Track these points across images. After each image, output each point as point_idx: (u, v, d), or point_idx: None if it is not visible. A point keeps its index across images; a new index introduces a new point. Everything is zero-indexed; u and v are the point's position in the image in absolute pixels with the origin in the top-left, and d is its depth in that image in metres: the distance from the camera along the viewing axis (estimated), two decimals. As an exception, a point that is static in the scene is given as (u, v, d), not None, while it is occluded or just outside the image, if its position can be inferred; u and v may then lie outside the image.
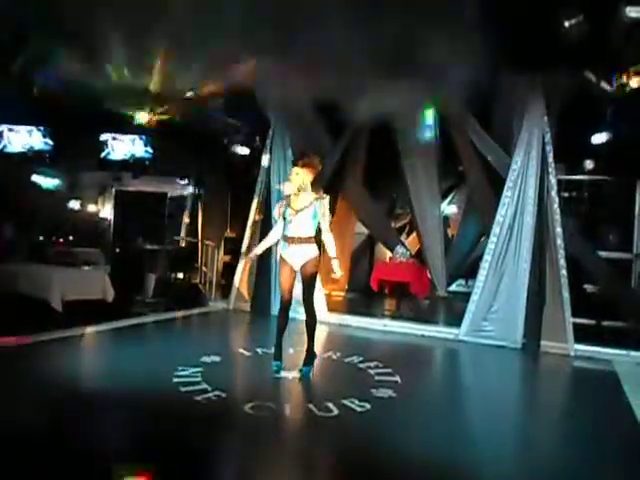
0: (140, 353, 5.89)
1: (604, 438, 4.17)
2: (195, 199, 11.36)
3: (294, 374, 5.13)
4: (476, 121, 7.89)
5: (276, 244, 5.39)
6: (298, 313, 7.93)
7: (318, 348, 6.25)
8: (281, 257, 5.11)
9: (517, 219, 7.00)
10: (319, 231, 5.05)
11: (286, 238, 5.03)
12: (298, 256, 5.00)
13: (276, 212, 5.21)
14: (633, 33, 5.44)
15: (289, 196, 5.08)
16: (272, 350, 5.32)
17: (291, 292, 5.15)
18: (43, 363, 5.21)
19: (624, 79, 5.99)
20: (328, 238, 5.01)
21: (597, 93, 6.83)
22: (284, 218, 5.05)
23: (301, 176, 4.97)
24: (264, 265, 8.39)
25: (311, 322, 5.17)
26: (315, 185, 5.10)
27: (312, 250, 5.01)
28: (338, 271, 5.06)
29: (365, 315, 8.32)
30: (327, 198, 5.01)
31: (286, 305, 5.17)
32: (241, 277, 8.62)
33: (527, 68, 6.45)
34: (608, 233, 9.04)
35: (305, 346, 5.22)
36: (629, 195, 8.71)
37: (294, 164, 5.10)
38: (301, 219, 4.95)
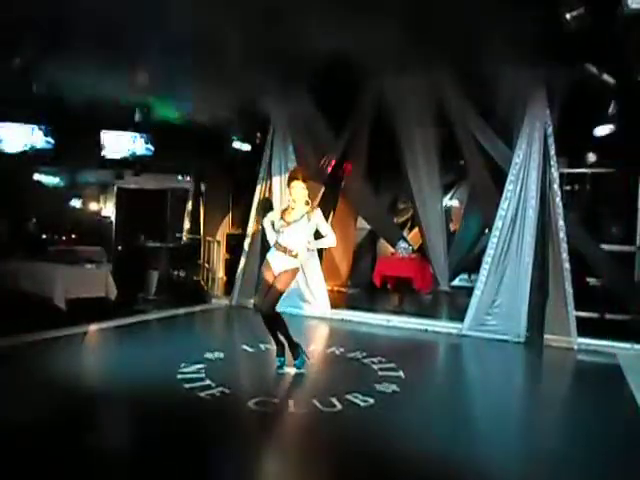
0: (143, 350, 5.91)
1: (608, 430, 4.16)
2: (197, 196, 11.35)
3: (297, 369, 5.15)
4: (478, 114, 7.87)
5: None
6: (298, 308, 8.03)
7: (321, 344, 6.29)
8: (266, 260, 5.19)
9: (519, 213, 6.97)
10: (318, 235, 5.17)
11: (275, 244, 5.13)
12: (280, 263, 5.05)
13: (266, 222, 5.37)
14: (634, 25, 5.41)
15: (285, 209, 5.18)
16: (275, 346, 5.33)
17: None
18: (46, 361, 5.22)
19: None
20: (330, 238, 5.13)
21: (599, 85, 6.80)
22: (275, 228, 5.19)
23: (303, 189, 5.05)
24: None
25: (276, 323, 5.14)
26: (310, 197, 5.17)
27: (293, 263, 5.06)
28: (307, 247, 5.16)
29: (368, 310, 8.32)
30: (318, 210, 5.13)
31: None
32: (243, 274, 8.61)
33: (529, 61, 6.42)
34: (611, 226, 9.02)
35: (287, 345, 5.21)
36: (632, 188, 8.67)
37: (294, 178, 5.10)
38: (292, 231, 5.03)
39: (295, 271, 5.13)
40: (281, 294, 5.09)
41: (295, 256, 5.04)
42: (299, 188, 5.04)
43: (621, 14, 5.10)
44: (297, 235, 5.03)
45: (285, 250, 5.03)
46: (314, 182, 8.93)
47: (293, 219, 5.05)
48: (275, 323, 5.14)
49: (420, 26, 5.74)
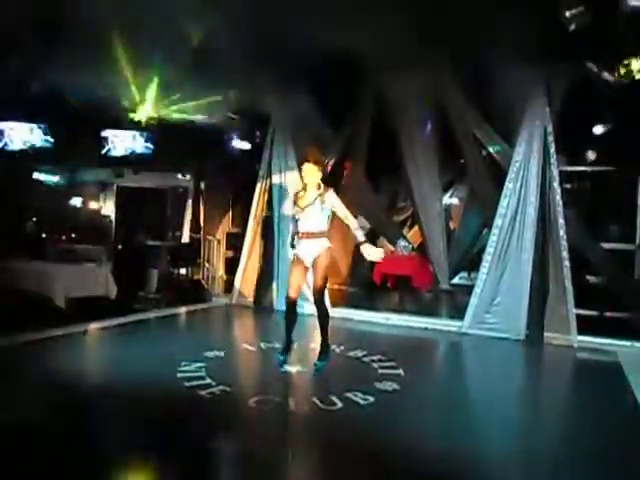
0: (143, 349, 5.90)
1: (608, 428, 4.16)
2: (197, 194, 11.35)
3: (298, 368, 5.15)
4: (478, 113, 7.88)
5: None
6: (301, 307, 8.03)
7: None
8: (295, 254, 5.13)
9: (519, 211, 6.98)
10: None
11: (298, 234, 5.06)
12: (310, 251, 4.99)
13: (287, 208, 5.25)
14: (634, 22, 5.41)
15: (297, 194, 5.12)
16: (276, 344, 5.36)
17: (300, 290, 5.16)
18: (46, 360, 5.22)
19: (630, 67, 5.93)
20: (352, 223, 4.95)
21: (599, 83, 6.80)
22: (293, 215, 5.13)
23: (315, 171, 4.97)
24: (267, 260, 8.41)
25: (323, 317, 5.13)
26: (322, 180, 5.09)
27: (322, 243, 4.98)
28: (372, 254, 4.93)
29: (368, 309, 8.32)
30: (331, 190, 4.99)
31: (294, 302, 5.13)
32: (243, 273, 8.61)
33: (529, 59, 6.43)
34: (611, 224, 9.01)
35: (320, 341, 5.20)
36: (632, 186, 8.67)
37: (305, 161, 5.02)
38: (309, 215, 4.96)
39: (328, 250, 5.01)
40: (325, 280, 5.05)
41: (321, 236, 4.96)
42: (310, 170, 4.96)
43: (621, 11, 5.10)
44: (313, 219, 4.96)
45: (308, 235, 4.97)
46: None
47: (306, 203, 4.97)
48: (325, 315, 5.12)
49: (420, 24, 5.75)
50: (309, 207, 4.94)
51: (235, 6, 5.54)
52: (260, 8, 5.55)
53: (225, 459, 3.53)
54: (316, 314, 5.13)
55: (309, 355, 5.57)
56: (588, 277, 8.34)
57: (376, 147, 9.62)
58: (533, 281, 6.84)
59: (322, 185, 4.98)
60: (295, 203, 5.05)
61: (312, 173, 4.95)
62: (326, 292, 8.11)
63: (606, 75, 6.18)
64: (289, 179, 8.29)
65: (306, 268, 5.06)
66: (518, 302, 6.89)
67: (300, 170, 5.07)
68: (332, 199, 4.94)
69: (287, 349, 5.20)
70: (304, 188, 5.02)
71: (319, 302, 5.06)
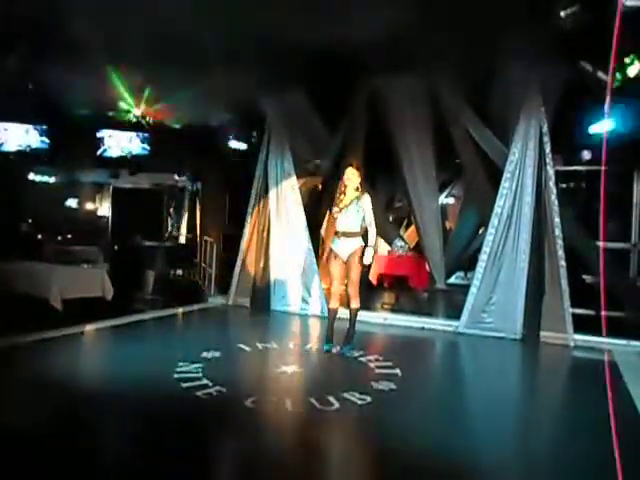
0: (140, 350, 5.90)
1: (604, 427, 4.17)
2: (193, 195, 11.36)
3: (294, 368, 5.16)
4: (473, 113, 7.88)
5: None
6: (295, 306, 8.05)
7: (318, 342, 6.30)
8: (331, 250, 5.77)
9: (515, 210, 7.00)
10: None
11: (335, 232, 5.71)
12: (345, 248, 5.62)
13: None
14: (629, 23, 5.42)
15: (338, 195, 5.68)
16: (273, 345, 5.61)
17: (343, 281, 5.77)
18: (43, 362, 5.21)
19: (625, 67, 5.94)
20: (371, 230, 5.64)
21: (594, 83, 6.81)
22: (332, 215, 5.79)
23: (356, 177, 5.60)
24: (264, 261, 8.41)
25: (354, 308, 5.78)
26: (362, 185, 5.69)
27: (357, 242, 5.62)
28: (369, 259, 5.65)
29: (365, 309, 8.28)
30: (367, 195, 5.61)
31: (337, 293, 5.78)
32: (240, 273, 8.60)
33: (525, 59, 6.44)
34: (606, 223, 9.02)
35: (348, 328, 5.84)
36: (627, 185, 8.69)
37: (349, 165, 5.71)
38: (346, 215, 5.59)
39: (362, 249, 5.61)
40: (359, 276, 5.66)
41: (356, 235, 5.57)
42: (351, 174, 5.60)
43: (616, 12, 5.11)
44: (350, 219, 5.59)
45: (345, 234, 5.60)
46: (311, 179, 8.99)
47: (345, 204, 5.60)
48: (355, 307, 5.77)
49: (417, 23, 5.76)
50: (346, 208, 5.57)
51: (232, 4, 5.55)
52: (257, 6, 5.54)
53: (222, 460, 3.52)
54: (349, 307, 5.79)
55: (308, 355, 5.59)
56: (584, 276, 8.35)
57: (372, 147, 9.61)
58: (529, 280, 6.86)
59: (360, 188, 5.60)
60: (335, 204, 5.65)
61: (353, 177, 5.59)
62: (323, 292, 8.21)
63: (601, 75, 6.19)
64: (285, 179, 8.29)
65: (343, 262, 5.62)
66: (514, 301, 6.91)
67: (343, 174, 5.66)
68: (367, 203, 5.58)
69: (331, 337, 5.79)
70: (344, 191, 5.62)
71: (353, 296, 5.68)
